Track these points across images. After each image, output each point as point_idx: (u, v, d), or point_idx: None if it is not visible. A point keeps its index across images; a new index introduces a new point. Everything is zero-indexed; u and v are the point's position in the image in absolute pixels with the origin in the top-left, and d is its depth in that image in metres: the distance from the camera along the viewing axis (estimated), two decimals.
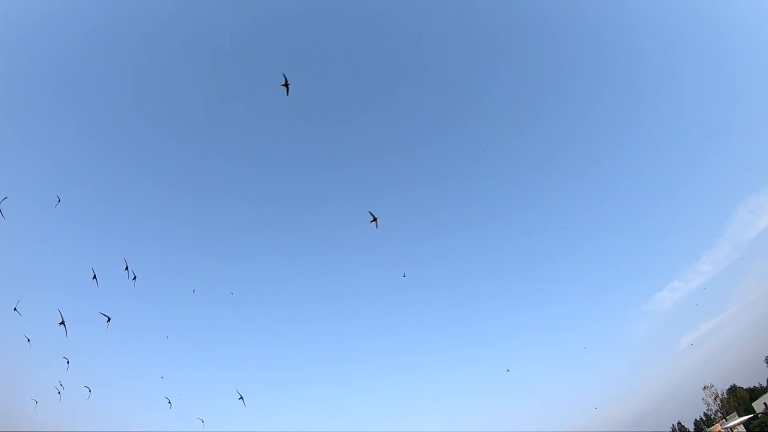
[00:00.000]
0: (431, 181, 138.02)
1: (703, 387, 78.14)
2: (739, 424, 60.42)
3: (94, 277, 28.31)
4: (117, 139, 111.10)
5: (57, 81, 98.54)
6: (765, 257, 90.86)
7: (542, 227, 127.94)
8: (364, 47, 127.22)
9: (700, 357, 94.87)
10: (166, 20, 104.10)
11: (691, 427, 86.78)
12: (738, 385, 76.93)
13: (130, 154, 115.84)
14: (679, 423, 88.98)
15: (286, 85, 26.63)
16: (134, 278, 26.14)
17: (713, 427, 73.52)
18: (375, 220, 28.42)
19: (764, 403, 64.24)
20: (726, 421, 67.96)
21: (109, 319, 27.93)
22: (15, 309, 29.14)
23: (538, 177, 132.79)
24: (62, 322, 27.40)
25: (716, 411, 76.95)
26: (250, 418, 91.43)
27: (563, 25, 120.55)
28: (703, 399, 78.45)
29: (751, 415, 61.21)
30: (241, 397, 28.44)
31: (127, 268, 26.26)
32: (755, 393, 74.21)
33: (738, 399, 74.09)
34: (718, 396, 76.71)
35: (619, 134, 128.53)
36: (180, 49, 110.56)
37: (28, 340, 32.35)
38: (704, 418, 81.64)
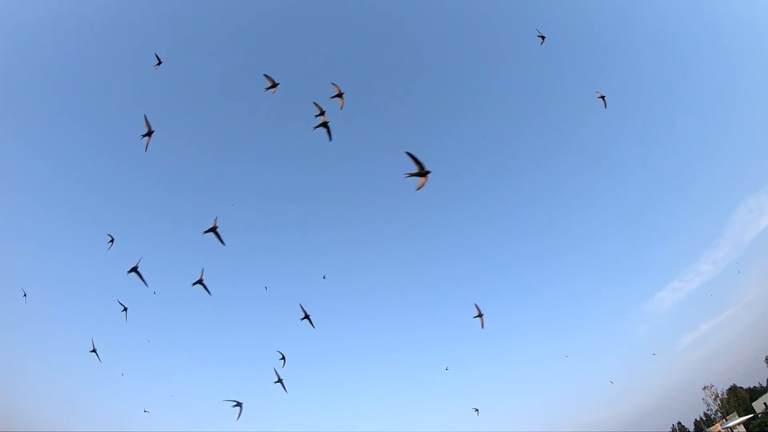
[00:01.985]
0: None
1: (703, 387, 78.07)
2: (739, 424, 60.29)
3: (125, 309, 27.36)
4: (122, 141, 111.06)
5: (58, 81, 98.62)
6: (765, 257, 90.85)
7: (542, 227, 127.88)
8: (361, 46, 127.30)
9: (700, 357, 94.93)
10: (165, 20, 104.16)
11: (691, 427, 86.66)
12: (738, 385, 76.85)
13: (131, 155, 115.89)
14: (679, 423, 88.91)
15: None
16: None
17: (713, 427, 73.34)
18: None
19: (764, 403, 64.10)
20: (726, 421, 67.80)
21: (125, 309, 26.92)
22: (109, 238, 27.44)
23: (536, 176, 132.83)
24: (94, 350, 26.77)
25: (716, 411, 76.79)
26: (248, 418, 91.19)
27: (563, 24, 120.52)
28: (703, 399, 78.38)
29: (751, 415, 61.06)
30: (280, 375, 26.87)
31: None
32: (755, 393, 74.04)
33: (738, 399, 73.94)
34: (718, 396, 76.57)
35: (619, 133, 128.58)
36: (179, 49, 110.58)
37: (24, 294, 31.98)
38: (704, 418, 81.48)
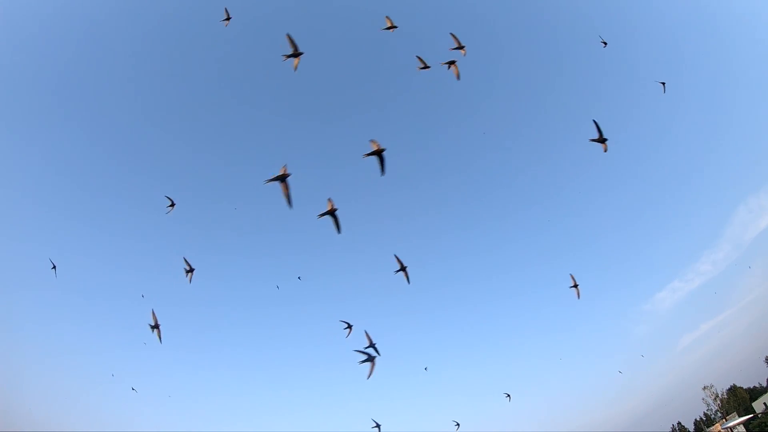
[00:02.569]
0: (426, 179, 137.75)
1: (703, 387, 78.10)
2: (739, 424, 60.35)
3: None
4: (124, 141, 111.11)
5: (59, 81, 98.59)
6: (765, 257, 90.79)
7: (541, 227, 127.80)
8: (362, 45, 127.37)
9: (700, 357, 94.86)
10: (166, 20, 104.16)
11: (691, 427, 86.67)
12: (738, 385, 76.93)
13: (131, 155, 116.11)
14: (679, 423, 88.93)
15: None
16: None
17: (713, 427, 73.39)
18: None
19: (764, 403, 64.19)
20: (726, 421, 67.86)
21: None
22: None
23: (534, 175, 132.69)
24: (155, 326, 23.48)
25: (716, 411, 76.84)
26: (248, 418, 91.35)
27: (562, 23, 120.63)
28: (703, 399, 78.38)
29: (751, 415, 61.14)
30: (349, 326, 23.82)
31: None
32: (755, 393, 74.13)
33: (738, 399, 74.00)
34: (718, 396, 76.61)
35: (618, 133, 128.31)
36: (181, 49, 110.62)
37: (54, 267, 30.26)
38: (704, 418, 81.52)
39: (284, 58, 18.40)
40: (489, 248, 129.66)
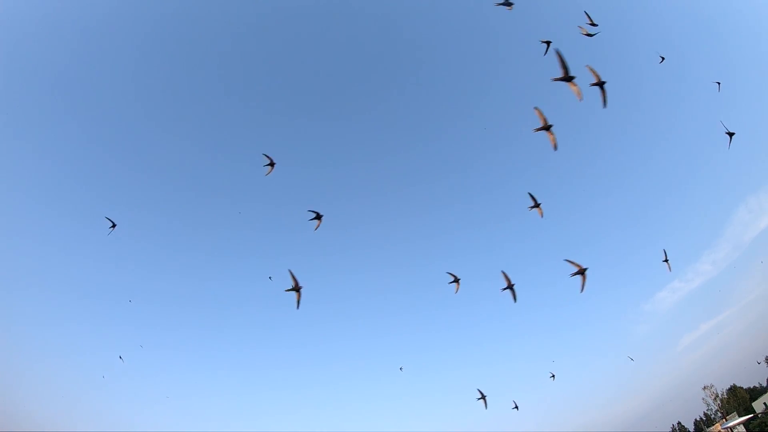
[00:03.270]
0: (426, 180, 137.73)
1: (703, 387, 78.20)
2: (739, 424, 60.34)
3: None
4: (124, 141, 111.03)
5: (59, 81, 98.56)
6: (765, 257, 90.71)
7: (540, 227, 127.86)
8: (363, 45, 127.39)
9: (700, 357, 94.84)
10: (168, 20, 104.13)
11: (691, 427, 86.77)
12: (738, 385, 76.97)
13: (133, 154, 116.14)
14: (679, 423, 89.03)
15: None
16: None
17: (713, 427, 73.45)
18: None
19: (764, 403, 64.18)
20: (726, 421, 67.89)
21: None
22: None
23: (534, 175, 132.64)
24: (294, 289, 22.87)
25: (716, 411, 76.89)
26: (250, 418, 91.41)
27: (562, 23, 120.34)
28: (703, 399, 78.51)
29: (751, 415, 61.13)
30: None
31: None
32: (755, 393, 74.14)
33: (738, 399, 74.02)
34: (718, 396, 76.65)
35: (619, 133, 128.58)
36: (182, 48, 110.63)
37: (112, 224, 31.28)
38: (704, 418, 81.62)
39: (497, 4, 19.91)
40: (488, 248, 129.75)
